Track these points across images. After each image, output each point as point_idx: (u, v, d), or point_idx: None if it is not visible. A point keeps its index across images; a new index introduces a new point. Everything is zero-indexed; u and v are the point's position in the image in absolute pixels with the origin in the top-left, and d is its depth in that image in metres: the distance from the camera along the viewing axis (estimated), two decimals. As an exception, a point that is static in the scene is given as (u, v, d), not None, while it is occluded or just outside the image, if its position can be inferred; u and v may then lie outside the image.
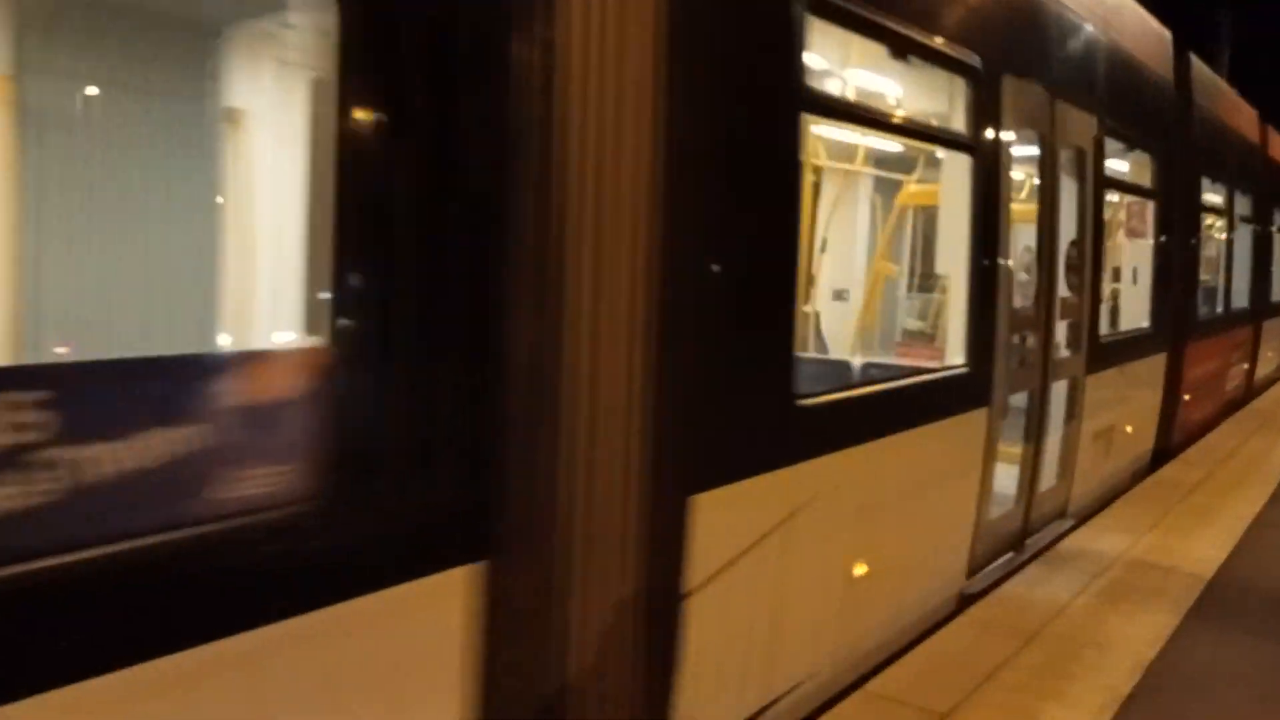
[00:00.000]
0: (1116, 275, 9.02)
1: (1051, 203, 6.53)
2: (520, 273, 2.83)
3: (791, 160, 3.99)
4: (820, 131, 7.06)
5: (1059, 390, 7.14)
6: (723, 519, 3.67)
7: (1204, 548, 6.75)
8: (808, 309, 7.49)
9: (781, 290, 4.00)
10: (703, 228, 3.51)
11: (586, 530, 3.12)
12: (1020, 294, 6.13)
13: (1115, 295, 8.71)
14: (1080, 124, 7.04)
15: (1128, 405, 8.45)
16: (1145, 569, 6.28)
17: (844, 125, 6.09)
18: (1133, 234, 9.12)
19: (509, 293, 2.81)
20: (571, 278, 2.97)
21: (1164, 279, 9.10)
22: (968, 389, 5.63)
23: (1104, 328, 8.17)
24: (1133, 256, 9.14)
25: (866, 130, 6.39)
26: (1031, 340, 6.34)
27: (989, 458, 5.86)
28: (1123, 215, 8.97)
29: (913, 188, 7.54)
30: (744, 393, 3.79)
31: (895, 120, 5.64)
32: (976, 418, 5.70)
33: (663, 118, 3.24)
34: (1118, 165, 8.60)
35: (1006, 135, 5.80)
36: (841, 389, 4.80)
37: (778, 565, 4.03)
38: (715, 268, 3.61)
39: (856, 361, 6.31)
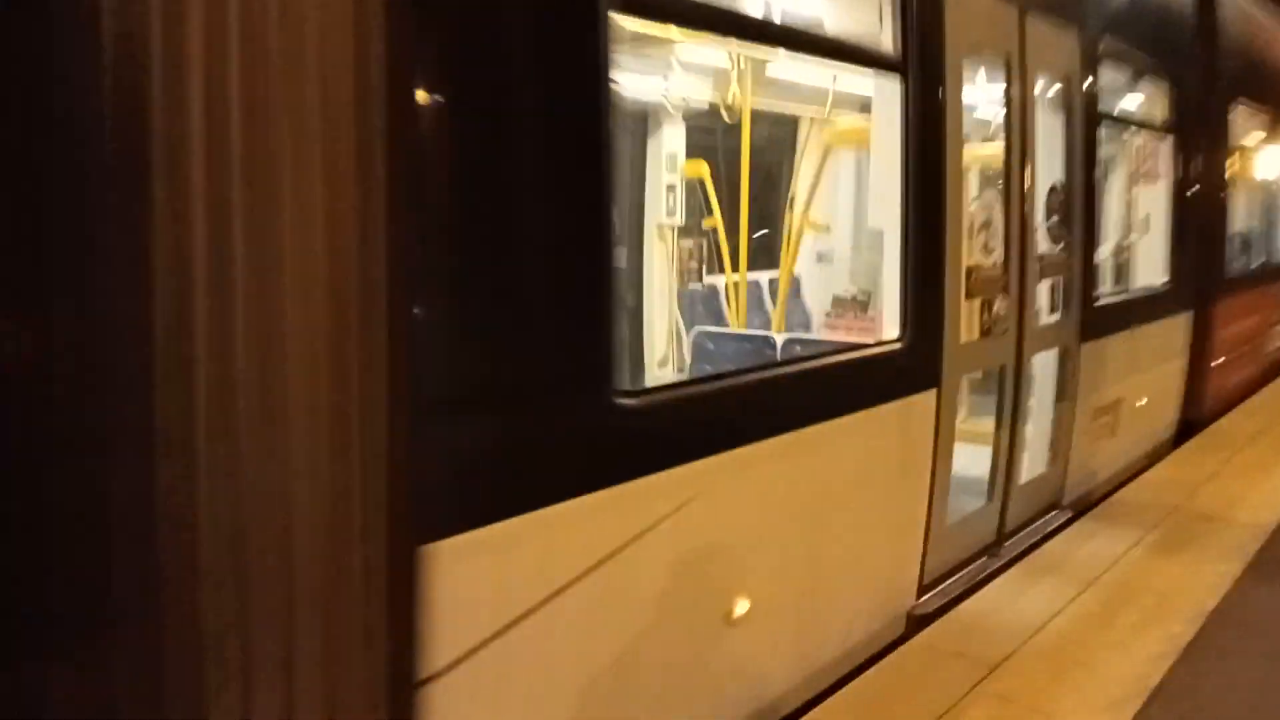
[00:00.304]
0: (1126, 226, 7.83)
1: (1023, 141, 5.40)
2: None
3: (593, 75, 2.97)
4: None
5: (1045, 362, 6.05)
6: (487, 571, 2.70)
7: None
8: (737, 278, 6.45)
9: (580, 247, 2.99)
10: (450, 158, 2.56)
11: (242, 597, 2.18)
12: (981, 250, 5.03)
13: (1123, 248, 7.53)
14: (1062, 45, 5.90)
15: (1140, 375, 7.29)
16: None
17: (702, 35, 5.03)
18: (1146, 177, 7.90)
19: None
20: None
21: (1185, 228, 7.88)
22: (906, 368, 4.57)
23: (1107, 286, 7.03)
24: (1146, 203, 7.93)
25: (750, 45, 5.32)
26: (999, 306, 5.25)
27: (942, 450, 4.80)
28: (1132, 154, 7.75)
29: (842, 124, 6.41)
30: (519, 389, 2.81)
31: (778, 30, 4.57)
32: (919, 403, 4.64)
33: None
34: (1121, 96, 7.40)
35: (954, 55, 4.70)
36: (708, 379, 3.79)
37: (591, 622, 3.05)
38: (465, 208, 2.63)
39: (779, 338, 5.27)
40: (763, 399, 3.76)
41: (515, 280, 2.81)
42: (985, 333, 5.14)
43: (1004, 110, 5.35)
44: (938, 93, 4.63)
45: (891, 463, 4.56)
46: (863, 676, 4.14)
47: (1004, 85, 5.30)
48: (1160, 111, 7.73)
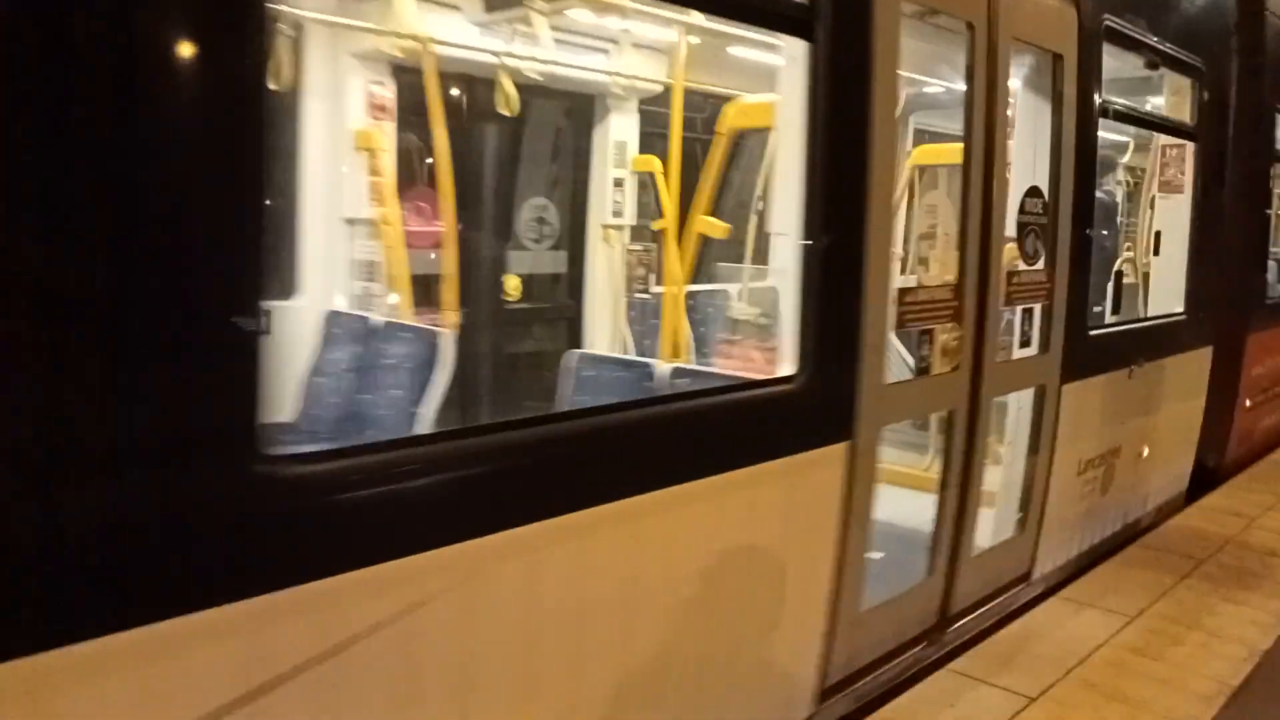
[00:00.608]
0: (1134, 243, 6.70)
1: (988, 131, 4.33)
2: None
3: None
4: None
5: (1019, 406, 4.98)
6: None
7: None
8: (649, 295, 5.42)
9: (195, 253, 1.99)
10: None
11: None
12: (922, 266, 3.98)
13: (1129, 269, 6.39)
14: (1051, 15, 4.82)
15: (1145, 419, 6.17)
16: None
17: None
18: (1167, 188, 6.76)
19: None
20: None
21: (1207, 250, 6.72)
22: (801, 415, 3.54)
23: (1107, 314, 5.93)
24: (1162, 218, 6.79)
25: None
26: (949, 336, 4.19)
27: (855, 517, 3.76)
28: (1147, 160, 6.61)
29: (746, 103, 5.30)
30: (82, 457, 1.84)
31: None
32: (820, 461, 3.61)
33: None
34: (1133, 88, 6.28)
35: (886, 15, 3.66)
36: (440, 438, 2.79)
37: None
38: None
39: (662, 368, 4.23)
40: (553, 459, 2.74)
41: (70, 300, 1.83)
42: (924, 370, 4.08)
43: (964, 91, 4.28)
44: (860, 62, 3.59)
45: (773, 538, 3.52)
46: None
47: (964, 59, 4.23)
48: (1183, 111, 6.57)
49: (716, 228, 5.12)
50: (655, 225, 6.48)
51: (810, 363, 3.49)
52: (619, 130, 6.62)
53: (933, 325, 4.02)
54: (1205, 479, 7.28)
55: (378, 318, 5.41)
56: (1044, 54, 4.84)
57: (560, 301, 6.94)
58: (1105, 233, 8.26)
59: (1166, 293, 6.67)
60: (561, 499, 2.68)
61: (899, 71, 3.79)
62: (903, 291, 3.87)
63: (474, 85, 6.10)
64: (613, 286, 6.60)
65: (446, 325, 5.11)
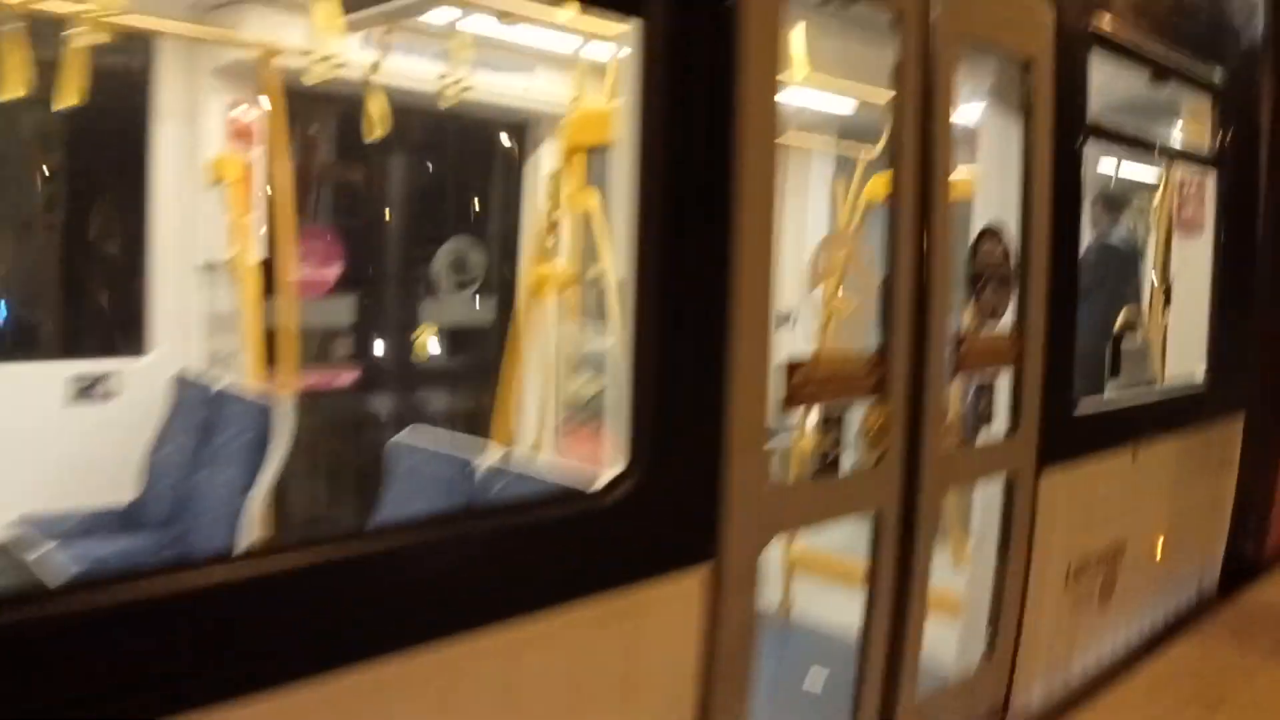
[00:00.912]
0: (1141, 294, 5.67)
1: (923, 151, 3.36)
2: None
3: None
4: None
5: (985, 500, 3.98)
6: None
7: None
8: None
9: None
10: None
11: None
12: (822, 330, 3.01)
13: (1133, 326, 5.34)
14: (1014, 12, 3.86)
15: (1159, 506, 5.10)
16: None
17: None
18: (1185, 228, 5.73)
19: None
20: None
21: (1238, 298, 5.66)
22: (631, 529, 2.57)
23: (1095, 381, 4.88)
24: (1178, 264, 5.75)
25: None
26: (873, 417, 3.20)
27: (719, 668, 2.77)
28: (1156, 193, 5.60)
29: (590, 112, 4.31)
30: None
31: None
32: (667, 594, 2.62)
33: None
34: (1131, 105, 5.29)
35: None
36: None
37: None
38: None
39: (484, 461, 3.22)
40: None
41: None
42: (830, 464, 3.09)
43: (892, 98, 3.32)
44: (720, 54, 2.66)
45: (614, 696, 2.54)
46: None
47: (895, 57, 3.28)
48: (1200, 134, 5.56)
49: (556, 278, 4.08)
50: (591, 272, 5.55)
51: (646, 459, 2.52)
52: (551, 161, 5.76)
53: (840, 403, 3.04)
54: (1242, 571, 6.15)
55: (217, 383, 4.54)
56: (1009, 58, 3.88)
57: (475, 362, 6.05)
58: (1125, 286, 7.21)
59: (1186, 352, 5.61)
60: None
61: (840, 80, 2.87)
62: (791, 365, 2.89)
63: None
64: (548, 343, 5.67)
65: (284, 394, 4.23)
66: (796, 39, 4.20)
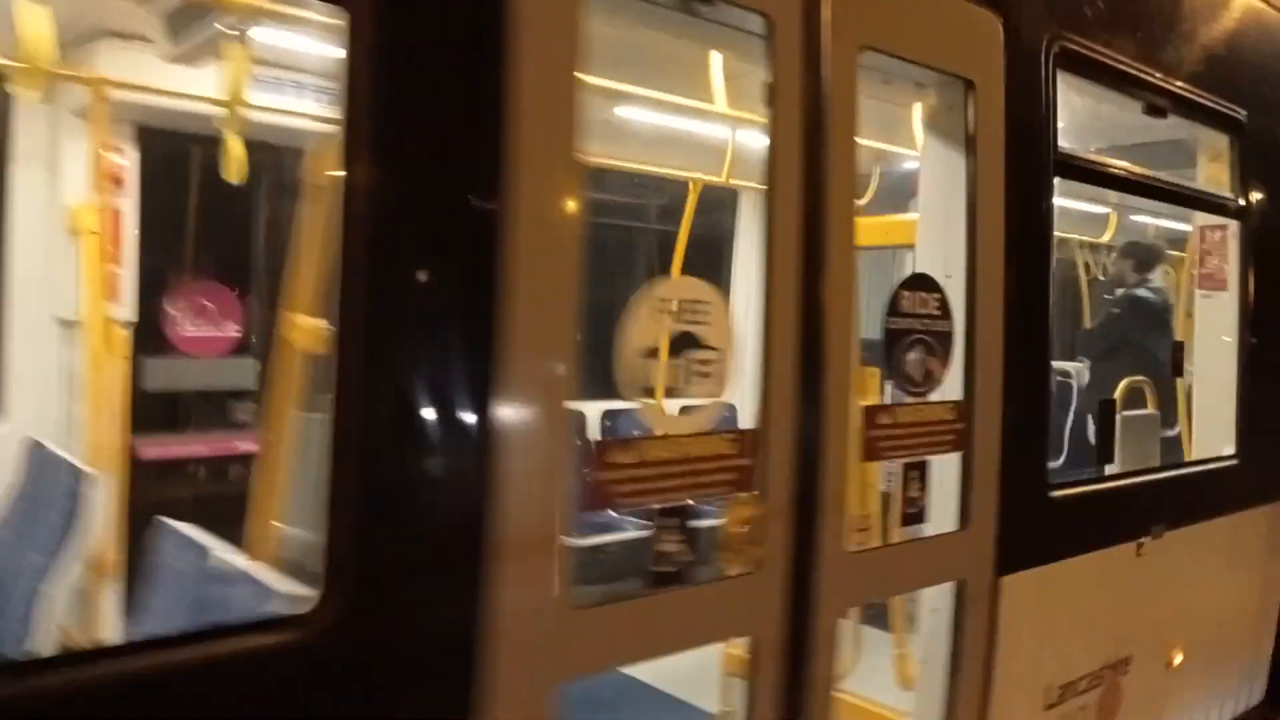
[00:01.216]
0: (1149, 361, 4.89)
1: (810, 177, 2.72)
2: None
3: None
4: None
5: (932, 602, 3.27)
6: None
7: None
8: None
9: None
10: None
11: None
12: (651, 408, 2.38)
13: (1138, 391, 4.56)
14: (946, 23, 3.24)
15: (1176, 609, 4.29)
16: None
17: None
18: (1208, 283, 4.96)
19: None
20: None
21: (1271, 360, 4.85)
22: (350, 680, 1.94)
23: (1083, 458, 4.13)
24: (1205, 321, 4.97)
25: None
26: (732, 518, 2.54)
27: None
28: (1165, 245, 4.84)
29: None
30: None
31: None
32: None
33: None
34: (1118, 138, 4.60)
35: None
36: None
37: None
38: None
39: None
40: None
41: None
42: (671, 577, 2.42)
43: (768, 128, 2.70)
44: (486, 59, 2.09)
45: None
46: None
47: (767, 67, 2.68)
48: (1223, 180, 4.81)
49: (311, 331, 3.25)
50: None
51: (352, 580, 1.90)
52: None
53: (678, 502, 2.38)
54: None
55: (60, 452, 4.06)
56: (947, 73, 3.25)
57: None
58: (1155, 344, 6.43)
59: (1211, 424, 4.81)
60: None
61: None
62: (599, 445, 2.26)
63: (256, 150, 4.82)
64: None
65: (100, 468, 3.73)
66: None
